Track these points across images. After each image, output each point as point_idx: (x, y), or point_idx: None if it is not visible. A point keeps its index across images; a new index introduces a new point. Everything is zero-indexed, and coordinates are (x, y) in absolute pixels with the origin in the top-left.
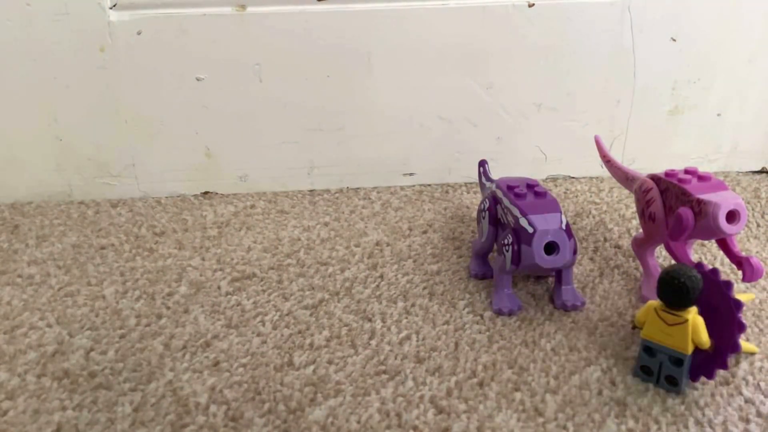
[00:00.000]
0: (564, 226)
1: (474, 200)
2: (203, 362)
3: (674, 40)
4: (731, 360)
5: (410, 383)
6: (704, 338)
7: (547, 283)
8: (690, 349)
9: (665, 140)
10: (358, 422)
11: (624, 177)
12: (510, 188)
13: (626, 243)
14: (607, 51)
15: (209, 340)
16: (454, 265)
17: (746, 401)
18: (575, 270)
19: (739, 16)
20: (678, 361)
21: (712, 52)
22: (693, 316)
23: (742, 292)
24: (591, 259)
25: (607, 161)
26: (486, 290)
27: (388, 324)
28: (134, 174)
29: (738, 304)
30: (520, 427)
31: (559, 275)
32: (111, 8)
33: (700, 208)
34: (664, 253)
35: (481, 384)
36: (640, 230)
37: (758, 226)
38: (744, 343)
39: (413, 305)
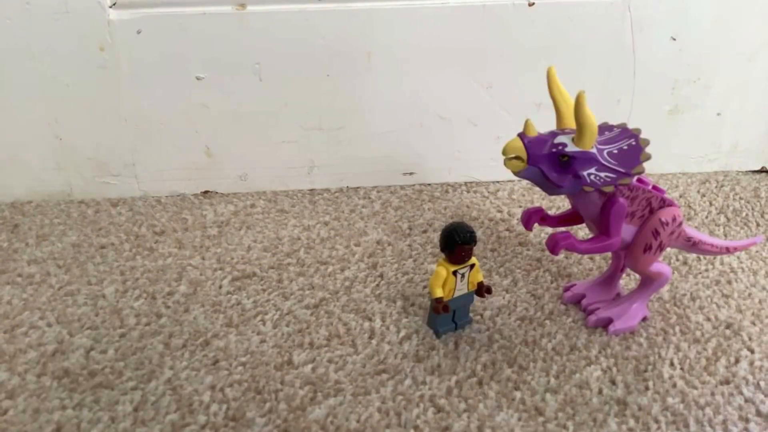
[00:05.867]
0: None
1: (474, 199)
2: (203, 361)
3: (674, 39)
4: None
5: (410, 382)
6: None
7: (547, 282)
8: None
9: (665, 140)
10: (358, 421)
11: None
12: None
13: None
14: (607, 50)
15: (209, 339)
16: None
17: (746, 400)
18: (575, 269)
19: (739, 15)
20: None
21: (712, 52)
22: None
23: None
24: (591, 257)
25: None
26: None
27: (387, 323)
28: (134, 173)
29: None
30: (521, 427)
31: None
32: (111, 7)
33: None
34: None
35: (480, 383)
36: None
37: (758, 225)
38: None
39: (413, 304)
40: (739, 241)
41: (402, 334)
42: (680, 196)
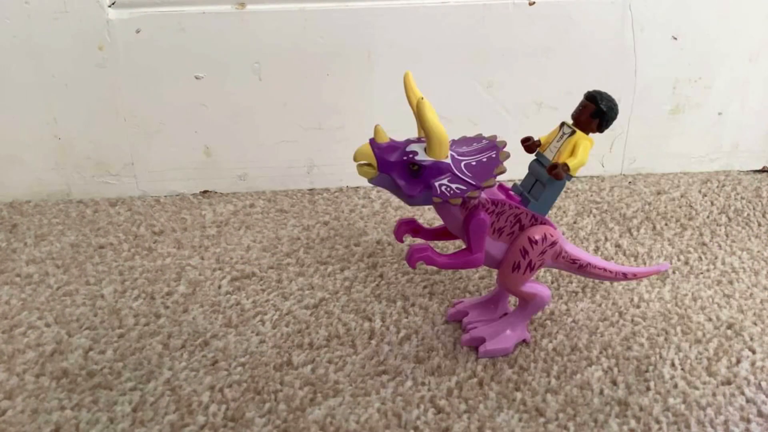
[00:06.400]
0: None
1: None
2: (202, 361)
3: (675, 38)
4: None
5: (410, 383)
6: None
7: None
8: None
9: (666, 139)
10: (358, 422)
11: None
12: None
13: (627, 242)
14: (608, 50)
15: (208, 340)
16: None
17: (748, 401)
18: None
19: (740, 15)
20: None
21: (713, 51)
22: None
23: None
24: None
25: None
26: (487, 288)
27: (387, 323)
28: (133, 173)
29: None
30: (521, 427)
31: None
32: (110, 6)
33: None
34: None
35: (481, 383)
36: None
37: (759, 225)
38: None
39: (413, 305)
40: (641, 268)
41: (402, 334)
42: (681, 196)
